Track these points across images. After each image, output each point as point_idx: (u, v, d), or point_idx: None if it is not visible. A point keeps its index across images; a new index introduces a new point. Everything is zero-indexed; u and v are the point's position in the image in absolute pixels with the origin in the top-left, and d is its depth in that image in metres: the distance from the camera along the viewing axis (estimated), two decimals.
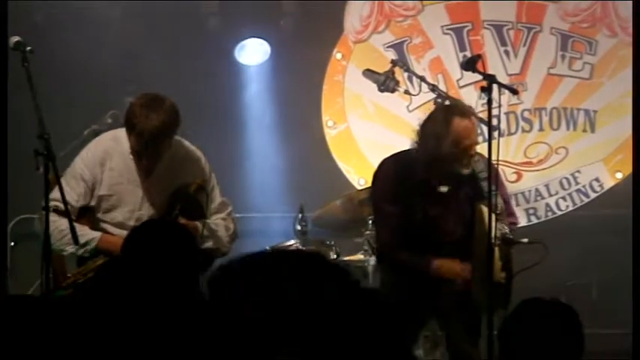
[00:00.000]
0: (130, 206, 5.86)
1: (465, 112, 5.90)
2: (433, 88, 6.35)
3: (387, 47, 8.20)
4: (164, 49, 7.89)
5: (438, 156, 5.71)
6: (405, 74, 7.16)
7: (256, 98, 8.19)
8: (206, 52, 8.14)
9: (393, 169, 5.89)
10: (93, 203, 5.85)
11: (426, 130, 5.79)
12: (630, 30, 8.02)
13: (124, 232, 5.28)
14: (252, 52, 8.18)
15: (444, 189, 5.75)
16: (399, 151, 6.00)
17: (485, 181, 5.64)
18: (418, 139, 5.85)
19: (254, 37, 8.14)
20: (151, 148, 5.71)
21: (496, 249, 5.42)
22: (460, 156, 5.72)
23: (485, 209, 5.53)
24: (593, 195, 8.21)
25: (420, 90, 6.74)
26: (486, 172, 5.66)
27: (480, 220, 5.58)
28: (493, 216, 5.47)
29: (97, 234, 5.76)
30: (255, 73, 8.21)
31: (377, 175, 5.96)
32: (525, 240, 6.28)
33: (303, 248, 6.43)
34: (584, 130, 8.21)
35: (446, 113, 5.86)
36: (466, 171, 5.69)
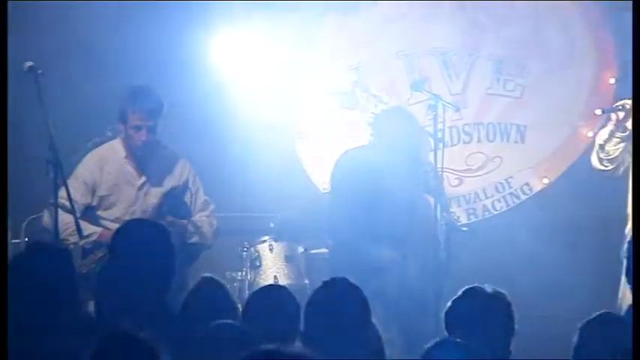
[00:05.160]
0: (126, 203, 6.34)
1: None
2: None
3: (350, 70, 8.36)
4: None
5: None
6: (364, 94, 7.78)
7: (235, 106, 8.07)
8: (186, 54, 8.00)
9: (350, 160, 6.43)
10: (95, 203, 6.34)
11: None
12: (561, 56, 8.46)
13: None
14: (231, 54, 8.05)
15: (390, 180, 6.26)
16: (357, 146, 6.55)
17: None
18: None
19: (234, 38, 8.03)
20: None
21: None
22: None
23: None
24: (523, 197, 8.50)
25: (376, 107, 7.29)
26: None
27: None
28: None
29: (98, 229, 6.26)
30: (235, 79, 8.11)
31: (336, 164, 6.48)
32: None
33: None
34: (516, 142, 8.50)
35: None
36: None
